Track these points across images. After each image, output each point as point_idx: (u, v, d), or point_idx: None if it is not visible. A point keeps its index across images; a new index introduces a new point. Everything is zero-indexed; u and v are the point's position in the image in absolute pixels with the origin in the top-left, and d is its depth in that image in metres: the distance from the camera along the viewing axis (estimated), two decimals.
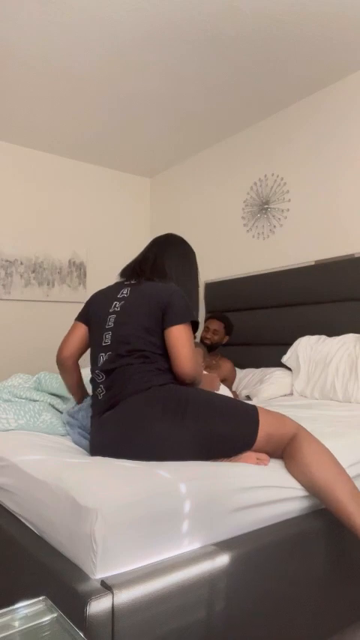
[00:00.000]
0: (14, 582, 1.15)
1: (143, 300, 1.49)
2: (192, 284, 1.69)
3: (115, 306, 1.53)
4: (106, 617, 0.86)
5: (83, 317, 1.64)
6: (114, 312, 1.52)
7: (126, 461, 1.24)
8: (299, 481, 1.27)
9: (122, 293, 1.56)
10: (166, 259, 1.65)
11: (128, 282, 1.59)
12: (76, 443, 1.53)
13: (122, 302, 1.53)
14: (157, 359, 1.45)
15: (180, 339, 1.45)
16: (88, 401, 1.72)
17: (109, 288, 1.64)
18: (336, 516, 1.22)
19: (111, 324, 1.50)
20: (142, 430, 1.29)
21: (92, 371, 1.52)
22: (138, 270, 1.62)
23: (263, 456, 1.32)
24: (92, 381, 1.51)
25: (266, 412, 1.37)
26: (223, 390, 2.08)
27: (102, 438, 1.36)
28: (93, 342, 1.56)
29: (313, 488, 1.25)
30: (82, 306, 1.73)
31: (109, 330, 1.50)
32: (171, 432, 1.27)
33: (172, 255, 1.67)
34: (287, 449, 1.31)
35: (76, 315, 1.68)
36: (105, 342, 1.49)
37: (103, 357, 1.48)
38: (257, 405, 2.18)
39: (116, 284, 1.64)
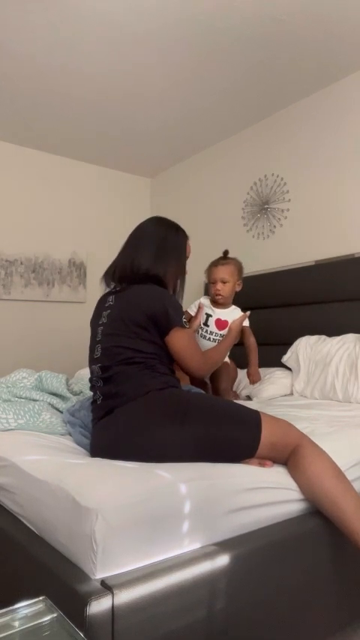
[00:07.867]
0: (14, 582, 1.15)
1: (129, 307, 1.46)
2: (177, 270, 1.61)
3: (103, 317, 1.52)
4: (106, 617, 0.86)
5: None
6: (102, 324, 1.50)
7: (126, 462, 1.24)
8: (303, 493, 1.26)
9: (108, 301, 1.54)
10: (143, 259, 1.55)
11: (114, 290, 1.57)
12: (77, 442, 1.53)
13: (108, 311, 1.51)
14: (153, 364, 1.43)
15: (179, 343, 1.46)
16: (88, 399, 1.72)
17: (99, 301, 1.62)
18: (340, 531, 1.21)
19: (100, 336, 1.49)
20: (141, 436, 1.27)
21: (90, 380, 1.52)
22: (118, 276, 1.57)
23: (265, 460, 1.31)
24: (91, 388, 1.51)
25: (270, 420, 1.32)
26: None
27: (102, 442, 1.36)
28: (89, 354, 1.55)
29: (317, 503, 1.24)
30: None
31: (99, 343, 1.48)
32: (170, 438, 1.26)
33: (150, 251, 1.57)
34: (291, 459, 1.28)
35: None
36: (96, 355, 1.48)
37: (97, 370, 1.47)
38: (258, 404, 2.18)
39: (103, 296, 1.62)
